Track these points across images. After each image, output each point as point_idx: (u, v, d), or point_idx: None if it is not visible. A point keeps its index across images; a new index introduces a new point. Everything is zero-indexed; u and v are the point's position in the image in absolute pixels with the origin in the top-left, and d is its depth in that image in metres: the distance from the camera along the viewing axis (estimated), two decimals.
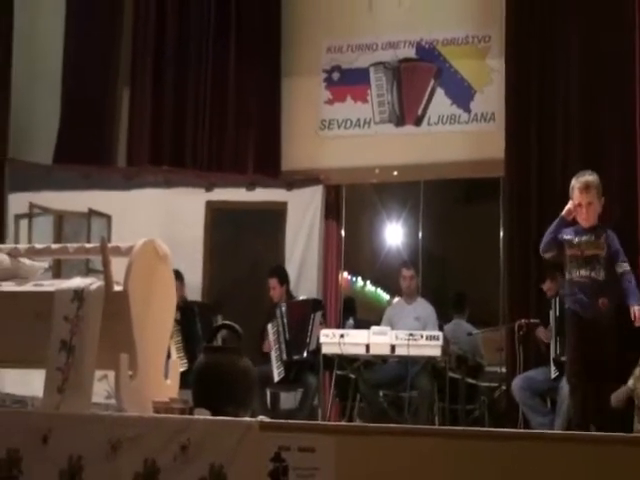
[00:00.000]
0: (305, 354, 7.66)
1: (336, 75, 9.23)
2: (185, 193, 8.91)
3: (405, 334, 7.14)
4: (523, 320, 7.41)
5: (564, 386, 6.37)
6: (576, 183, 5.54)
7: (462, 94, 8.85)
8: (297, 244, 8.82)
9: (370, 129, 9.10)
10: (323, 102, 9.24)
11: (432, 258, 9.64)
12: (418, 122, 8.97)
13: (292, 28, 9.27)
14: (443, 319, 8.53)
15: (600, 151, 7.88)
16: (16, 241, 8.13)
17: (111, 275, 4.36)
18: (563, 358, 6.27)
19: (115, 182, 8.86)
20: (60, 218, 8.75)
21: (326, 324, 8.00)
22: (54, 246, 5.06)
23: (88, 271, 7.70)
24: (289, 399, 8.19)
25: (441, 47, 8.97)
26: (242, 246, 8.85)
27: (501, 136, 8.32)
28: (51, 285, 4.55)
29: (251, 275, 8.66)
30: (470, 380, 8.07)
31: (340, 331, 7.51)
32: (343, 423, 7.02)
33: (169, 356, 4.86)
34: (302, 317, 7.77)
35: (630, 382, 6.35)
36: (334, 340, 7.24)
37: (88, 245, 4.99)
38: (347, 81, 9.19)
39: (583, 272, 5.44)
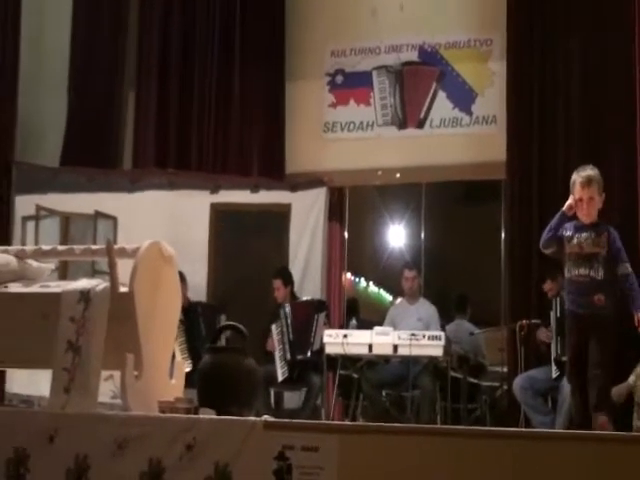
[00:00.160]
0: (309, 354, 7.69)
1: (339, 78, 9.26)
2: (190, 195, 8.91)
3: (407, 334, 7.18)
4: (524, 320, 7.42)
5: (565, 385, 6.37)
6: (577, 178, 5.40)
7: (464, 97, 8.88)
8: (301, 245, 8.83)
9: (373, 132, 9.13)
10: (327, 105, 9.28)
11: (434, 259, 9.64)
12: (420, 125, 9.00)
13: (296, 32, 9.30)
14: (445, 319, 8.55)
15: (601, 153, 7.82)
16: (23, 243, 8.17)
17: (117, 276, 4.38)
18: (564, 358, 6.20)
19: (121, 184, 8.90)
20: (66, 220, 8.78)
21: (329, 324, 8.04)
22: (60, 248, 5.05)
23: (94, 272, 7.70)
24: (293, 398, 8.20)
25: (443, 50, 9.00)
26: (246, 247, 8.86)
27: (503, 139, 8.34)
28: (57, 286, 4.59)
29: (255, 276, 8.63)
30: (472, 380, 8.10)
31: (343, 331, 7.54)
32: (346, 422, 7.06)
33: (174, 356, 4.90)
34: (306, 317, 7.80)
35: (631, 378, 6.42)
36: (337, 340, 7.29)
37: (94, 247, 4.98)
38: (350, 84, 9.22)
39: (582, 270, 5.33)
